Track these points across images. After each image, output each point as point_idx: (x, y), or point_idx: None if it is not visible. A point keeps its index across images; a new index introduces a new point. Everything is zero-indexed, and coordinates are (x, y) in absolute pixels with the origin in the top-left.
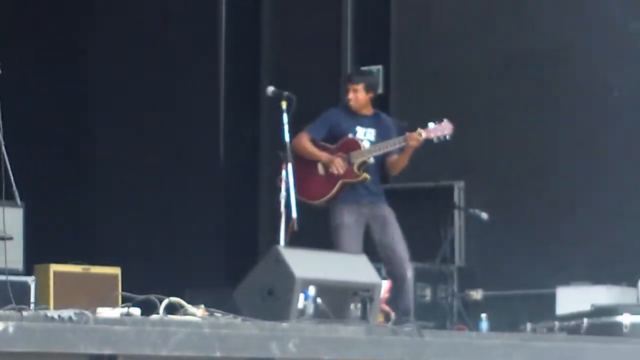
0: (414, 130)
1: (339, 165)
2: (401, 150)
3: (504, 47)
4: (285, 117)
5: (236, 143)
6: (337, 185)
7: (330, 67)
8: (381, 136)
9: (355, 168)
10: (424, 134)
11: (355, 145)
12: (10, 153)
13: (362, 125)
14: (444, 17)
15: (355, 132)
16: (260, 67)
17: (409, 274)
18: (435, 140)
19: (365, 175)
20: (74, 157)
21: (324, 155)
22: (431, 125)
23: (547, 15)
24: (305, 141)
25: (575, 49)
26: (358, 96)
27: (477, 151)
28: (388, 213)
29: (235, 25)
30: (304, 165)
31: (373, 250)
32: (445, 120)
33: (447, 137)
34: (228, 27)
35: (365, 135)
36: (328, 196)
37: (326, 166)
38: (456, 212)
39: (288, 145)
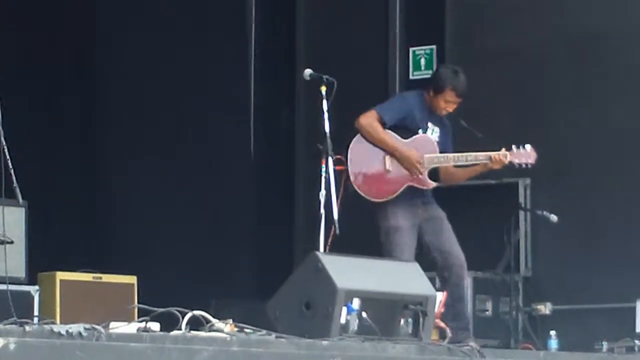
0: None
1: (420, 170)
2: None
3: (572, 27)
4: (325, 104)
5: (269, 135)
6: (403, 188)
7: (376, 47)
8: (443, 139)
9: (427, 174)
10: (509, 156)
11: (431, 147)
12: (13, 145)
13: (432, 122)
14: None
15: (426, 129)
16: (295, 47)
17: (467, 282)
18: (517, 165)
19: (434, 184)
20: (84, 151)
21: (406, 152)
22: (514, 149)
23: None
24: (377, 124)
25: None
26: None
27: (545, 143)
28: (442, 214)
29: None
30: (366, 153)
31: (423, 258)
32: (528, 147)
33: (530, 165)
34: (259, 1)
35: (432, 133)
36: (389, 198)
37: (399, 163)
38: (521, 214)
39: (328, 136)
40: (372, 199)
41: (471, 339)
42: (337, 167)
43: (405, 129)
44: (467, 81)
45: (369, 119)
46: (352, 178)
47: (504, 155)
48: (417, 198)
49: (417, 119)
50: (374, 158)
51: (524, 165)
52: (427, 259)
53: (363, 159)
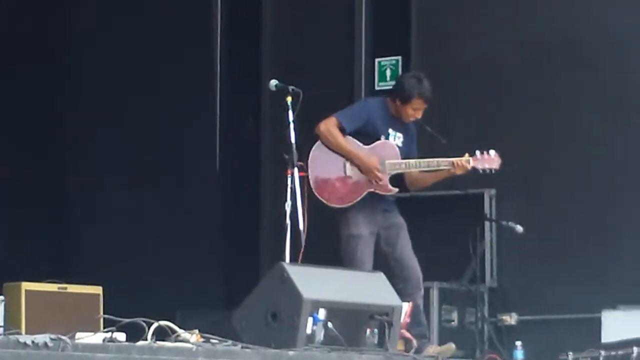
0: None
1: (380, 177)
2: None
3: (540, 37)
4: (291, 114)
5: (234, 145)
6: (364, 194)
7: (342, 58)
8: (406, 145)
9: (387, 180)
10: (472, 162)
11: (392, 153)
12: None
13: (394, 129)
14: (473, 2)
15: (388, 135)
16: (261, 57)
17: (422, 292)
18: (481, 171)
19: (396, 190)
20: (50, 162)
21: (364, 158)
22: (478, 154)
23: None
24: (336, 131)
25: (629, 37)
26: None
27: (510, 155)
28: (402, 223)
29: (232, 9)
30: (326, 159)
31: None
32: (492, 152)
33: (494, 171)
34: (224, 11)
35: (395, 139)
36: (350, 204)
37: (360, 170)
38: (487, 224)
39: (294, 147)
40: (333, 206)
41: (430, 345)
42: (300, 173)
43: (367, 136)
44: (430, 85)
45: (328, 126)
46: (312, 185)
47: (466, 161)
48: (379, 205)
49: (378, 126)
50: (334, 164)
51: (487, 171)
52: (383, 267)
53: (323, 166)
